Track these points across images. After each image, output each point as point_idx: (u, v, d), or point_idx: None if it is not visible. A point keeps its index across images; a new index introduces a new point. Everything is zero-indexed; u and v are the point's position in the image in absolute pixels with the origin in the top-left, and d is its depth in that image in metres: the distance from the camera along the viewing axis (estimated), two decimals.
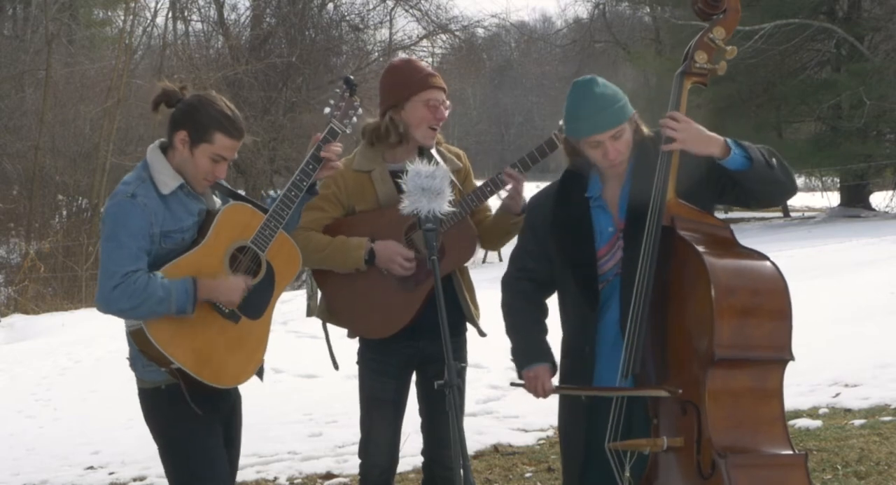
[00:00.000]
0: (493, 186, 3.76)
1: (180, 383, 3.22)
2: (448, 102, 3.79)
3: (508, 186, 3.73)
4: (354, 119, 3.52)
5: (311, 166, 3.39)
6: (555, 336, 3.38)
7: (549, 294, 3.42)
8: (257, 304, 3.31)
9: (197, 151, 3.25)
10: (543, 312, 3.41)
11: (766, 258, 3.04)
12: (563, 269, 3.29)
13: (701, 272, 2.92)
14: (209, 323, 3.24)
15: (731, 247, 3.05)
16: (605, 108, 3.13)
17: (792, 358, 2.98)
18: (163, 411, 3.32)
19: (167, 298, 3.12)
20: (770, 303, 2.97)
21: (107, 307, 3.17)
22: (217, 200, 3.43)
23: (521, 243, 3.44)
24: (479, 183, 3.95)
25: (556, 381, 3.35)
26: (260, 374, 3.46)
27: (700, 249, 2.96)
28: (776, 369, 2.99)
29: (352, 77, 3.58)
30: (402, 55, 21.07)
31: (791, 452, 2.95)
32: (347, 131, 3.52)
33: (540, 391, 3.28)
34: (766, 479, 2.91)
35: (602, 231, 3.23)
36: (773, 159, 3.08)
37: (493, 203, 3.89)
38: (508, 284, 3.43)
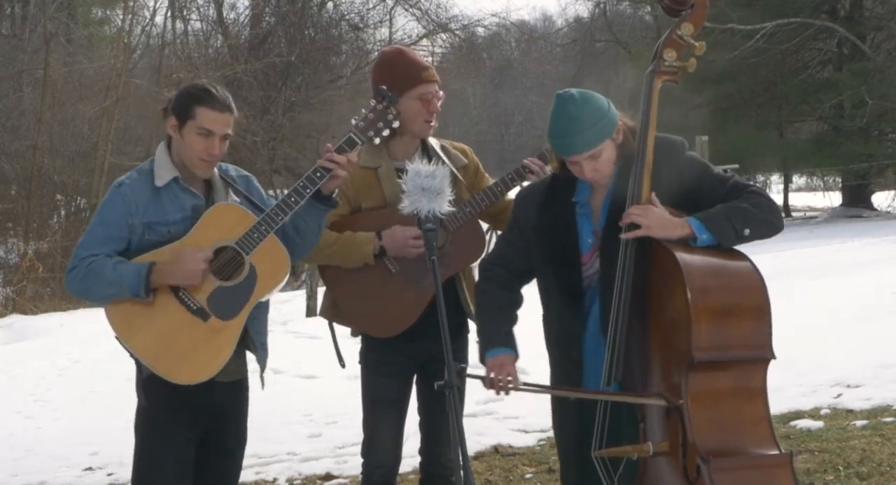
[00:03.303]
0: (503, 185, 3.74)
1: (139, 372, 3.28)
2: (441, 93, 3.77)
3: (526, 183, 3.71)
4: (386, 132, 3.42)
5: (318, 174, 3.31)
6: (537, 332, 3.35)
7: (524, 283, 3.39)
8: (231, 305, 3.27)
9: (185, 130, 3.30)
10: (515, 300, 3.36)
11: (744, 256, 3.03)
12: (545, 271, 3.26)
13: (676, 274, 2.90)
14: (174, 317, 3.23)
15: (708, 246, 3.02)
16: (580, 131, 3.05)
17: (773, 356, 2.96)
18: (139, 399, 3.38)
19: (118, 282, 3.18)
20: (747, 301, 2.95)
21: (66, 287, 3.33)
22: (235, 199, 3.41)
23: (505, 233, 3.41)
24: (486, 175, 3.93)
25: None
26: (261, 377, 3.46)
27: (674, 250, 2.95)
28: (758, 369, 2.97)
29: (386, 88, 3.45)
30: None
31: (777, 451, 2.93)
32: (376, 141, 3.44)
33: (504, 380, 3.14)
34: (751, 480, 2.89)
35: (584, 239, 3.20)
36: (746, 226, 2.99)
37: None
38: (485, 268, 3.40)
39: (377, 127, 3.40)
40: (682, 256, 2.92)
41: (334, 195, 3.45)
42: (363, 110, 3.43)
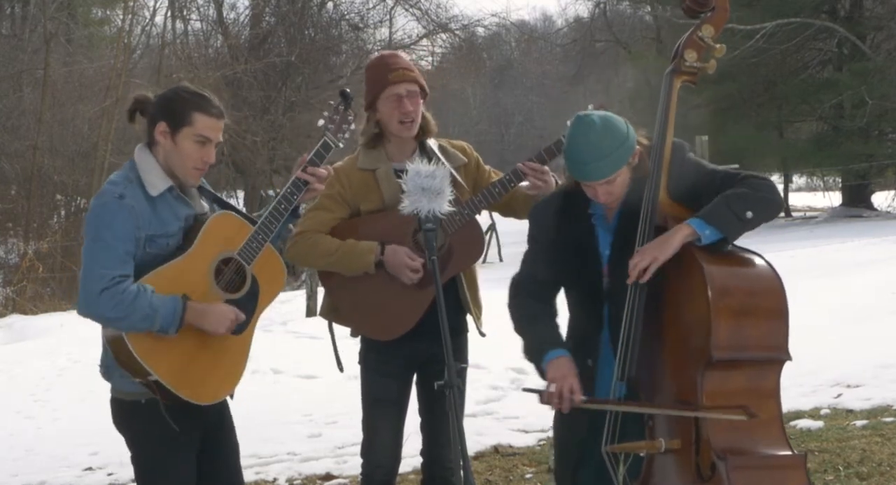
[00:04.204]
0: (501, 187, 3.73)
1: (157, 397, 3.13)
2: (417, 90, 3.73)
3: (525, 184, 3.71)
4: (347, 134, 3.47)
5: (301, 181, 3.32)
6: None
7: (556, 293, 3.34)
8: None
9: (179, 137, 3.15)
10: (552, 311, 3.29)
11: (762, 258, 3.04)
12: (568, 282, 3.26)
13: (697, 273, 2.91)
14: (190, 336, 3.13)
15: (726, 247, 3.03)
16: (598, 159, 3.02)
17: (789, 358, 2.98)
18: (140, 425, 3.24)
19: (152, 316, 3.02)
20: (766, 303, 2.97)
21: (89, 311, 3.05)
22: (205, 205, 3.33)
23: (528, 250, 3.37)
24: (487, 167, 3.94)
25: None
26: (230, 393, 3.37)
27: (696, 251, 2.96)
28: (773, 370, 2.99)
29: (348, 90, 3.51)
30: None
31: (789, 452, 2.95)
32: (340, 145, 3.47)
33: (566, 397, 3.04)
34: (766, 480, 2.91)
35: (603, 252, 3.20)
36: (747, 209, 2.96)
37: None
38: (514, 287, 3.34)
39: (342, 128, 3.43)
40: (704, 258, 2.93)
41: (301, 208, 3.46)
42: (326, 113, 3.43)
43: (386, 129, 3.75)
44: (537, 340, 3.20)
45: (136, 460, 3.31)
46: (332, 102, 3.47)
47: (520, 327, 3.28)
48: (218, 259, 3.20)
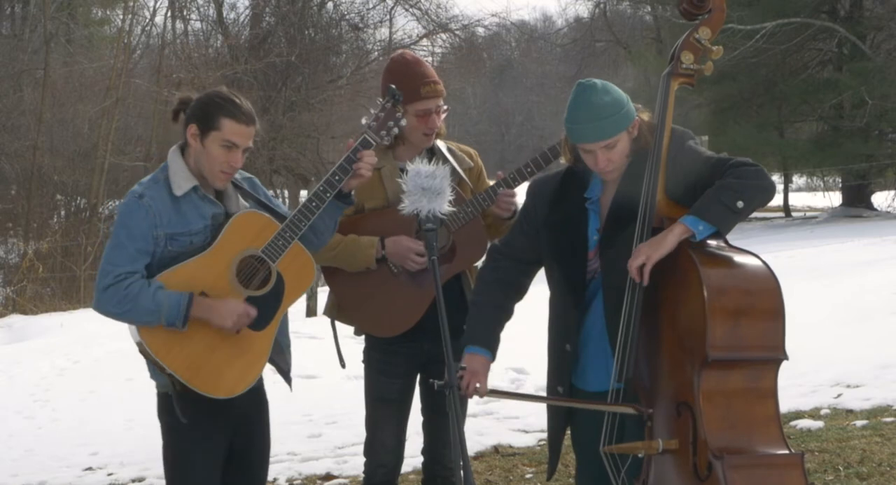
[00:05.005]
0: (505, 185, 3.75)
1: (173, 388, 3.20)
2: (444, 107, 3.77)
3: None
4: (396, 130, 3.45)
5: (337, 177, 3.32)
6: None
7: (532, 272, 3.37)
8: (262, 315, 3.26)
9: (207, 140, 3.22)
10: (514, 295, 3.35)
11: (758, 258, 3.04)
12: (551, 265, 3.28)
13: (692, 273, 2.91)
14: (208, 331, 3.19)
15: (723, 247, 3.04)
16: (599, 118, 3.05)
17: (786, 357, 2.98)
18: (165, 415, 3.33)
19: (157, 311, 3.11)
20: (762, 303, 2.97)
21: (97, 306, 3.20)
22: (244, 205, 3.38)
23: (518, 221, 3.41)
24: (489, 182, 3.94)
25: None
26: (288, 380, 3.45)
27: (691, 250, 2.96)
28: (770, 369, 2.99)
29: (394, 87, 3.46)
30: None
31: (787, 451, 2.94)
32: (385, 143, 3.47)
33: (472, 389, 3.18)
34: (763, 479, 2.90)
35: (590, 236, 3.21)
36: (738, 199, 2.97)
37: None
38: (492, 256, 3.39)
39: (388, 126, 3.41)
40: (699, 257, 2.93)
41: (352, 193, 3.46)
42: (372, 111, 3.43)
43: (405, 135, 3.74)
44: (471, 329, 3.29)
45: (163, 449, 3.40)
46: (380, 100, 3.45)
47: (475, 304, 3.36)
48: (241, 256, 3.24)
